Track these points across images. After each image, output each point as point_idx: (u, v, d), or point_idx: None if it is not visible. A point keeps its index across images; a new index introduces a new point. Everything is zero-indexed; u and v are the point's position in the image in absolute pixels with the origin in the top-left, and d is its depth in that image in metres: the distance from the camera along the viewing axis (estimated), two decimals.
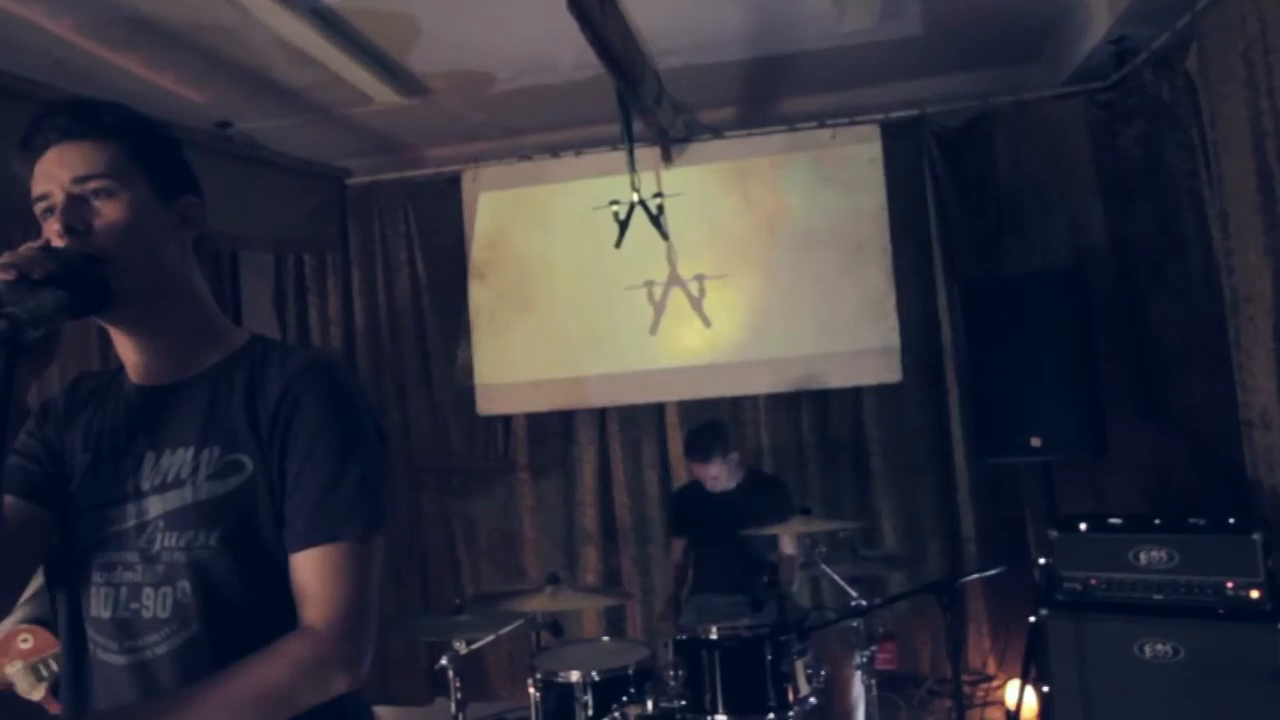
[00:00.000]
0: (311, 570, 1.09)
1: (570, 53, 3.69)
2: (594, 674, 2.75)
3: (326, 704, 1.08)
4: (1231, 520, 2.72)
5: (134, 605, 1.10)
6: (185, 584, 1.08)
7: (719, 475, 3.52)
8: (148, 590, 1.09)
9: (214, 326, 1.21)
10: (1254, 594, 2.60)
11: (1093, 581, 2.81)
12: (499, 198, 4.54)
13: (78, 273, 1.04)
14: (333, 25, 3.37)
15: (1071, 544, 2.87)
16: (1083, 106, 4.03)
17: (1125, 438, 3.68)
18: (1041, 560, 2.98)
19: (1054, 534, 2.91)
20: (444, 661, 2.62)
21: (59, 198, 1.09)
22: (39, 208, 1.10)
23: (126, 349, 1.18)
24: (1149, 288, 3.84)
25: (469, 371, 4.52)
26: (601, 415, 4.49)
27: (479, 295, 4.53)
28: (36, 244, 1.05)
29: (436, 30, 3.49)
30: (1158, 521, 2.80)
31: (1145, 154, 3.84)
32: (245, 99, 3.95)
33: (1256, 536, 2.60)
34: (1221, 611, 2.63)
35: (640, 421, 4.44)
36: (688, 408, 4.35)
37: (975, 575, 2.94)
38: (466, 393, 4.53)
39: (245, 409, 1.13)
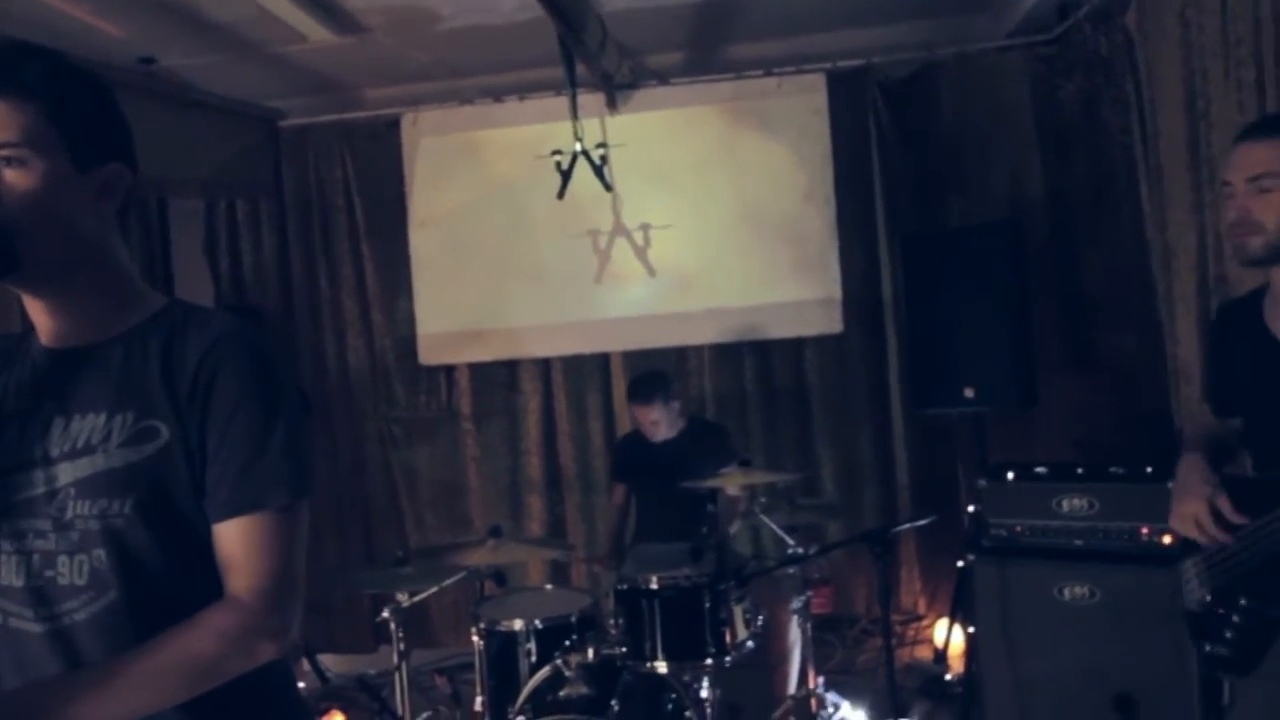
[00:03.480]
0: (236, 539, 1.08)
1: None
2: (537, 622, 2.79)
3: (255, 674, 1.08)
4: (1149, 469, 2.83)
5: (48, 573, 1.08)
6: (100, 552, 1.06)
7: (659, 421, 3.56)
8: (62, 558, 1.07)
9: (130, 291, 1.17)
10: (1166, 539, 2.72)
11: (1018, 528, 2.92)
12: (440, 142, 4.43)
13: None
14: None
15: (999, 492, 2.96)
16: (1024, 60, 4.06)
17: (1056, 389, 3.79)
18: (970, 508, 3.08)
19: (983, 483, 3.00)
20: (385, 614, 2.63)
21: None
22: None
23: (37, 311, 1.14)
24: (1082, 242, 3.93)
25: (410, 320, 4.46)
26: (546, 365, 4.48)
27: (420, 242, 4.45)
28: None
29: None
30: (1080, 471, 2.91)
31: (1083, 109, 3.89)
32: (169, 33, 3.76)
33: (1171, 485, 2.71)
34: (1136, 556, 2.75)
35: (585, 371, 4.44)
36: (632, 357, 4.36)
37: (906, 525, 3.02)
38: (407, 341, 4.48)
39: (162, 374, 1.09)
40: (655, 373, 3.71)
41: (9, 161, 1.03)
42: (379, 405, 4.52)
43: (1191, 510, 1.72)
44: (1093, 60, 3.77)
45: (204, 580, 1.08)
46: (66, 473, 1.08)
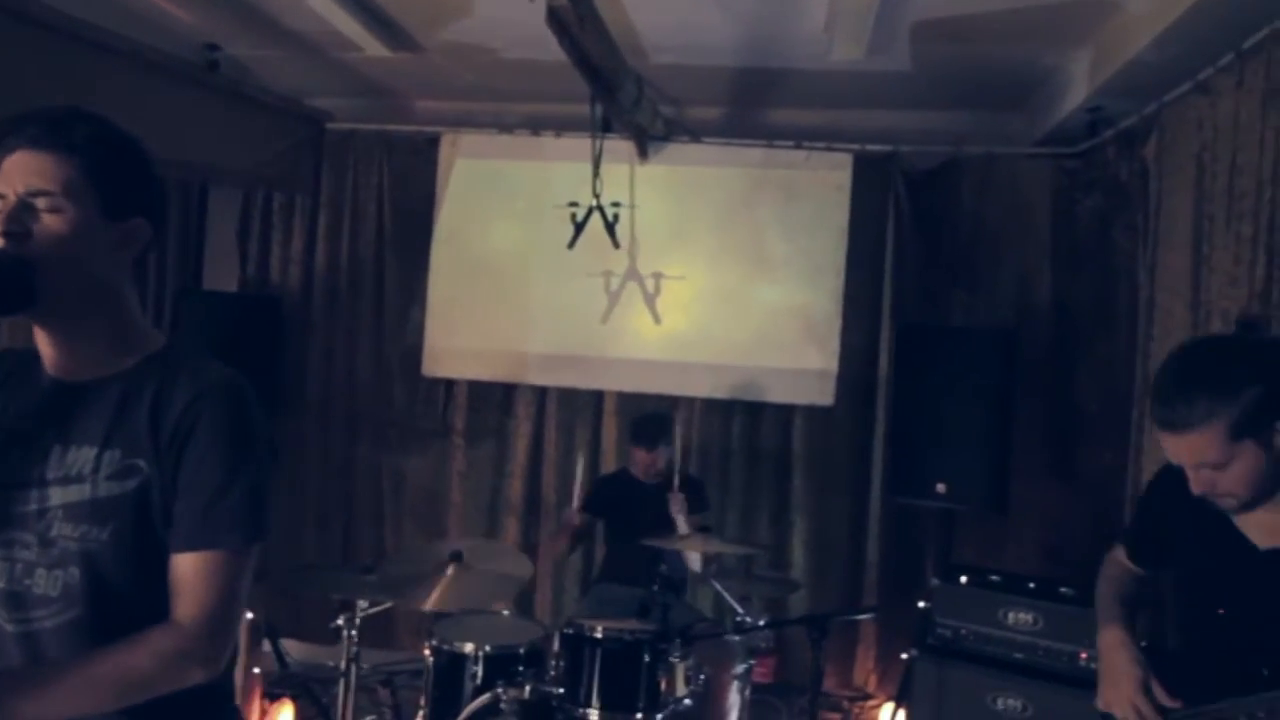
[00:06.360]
0: (188, 571, 1.20)
1: None
2: (486, 647, 2.86)
3: (195, 689, 1.20)
4: None
5: (26, 581, 1.20)
6: (75, 570, 1.19)
7: (659, 465, 3.67)
8: (40, 570, 1.20)
9: (133, 334, 1.29)
10: None
11: (962, 631, 2.99)
12: (475, 166, 4.57)
13: (6, 274, 1.13)
14: None
15: (949, 593, 3.04)
16: (1049, 169, 4.15)
17: (1033, 495, 3.85)
18: (921, 604, 3.15)
19: (935, 581, 3.08)
20: (339, 622, 2.74)
21: (11, 200, 1.17)
22: None
23: (45, 344, 1.26)
24: (1078, 355, 4.00)
25: (419, 330, 4.59)
26: (542, 393, 4.59)
27: (440, 258, 4.58)
28: None
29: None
30: (1032, 586, 2.98)
31: (1097, 227, 3.97)
32: (235, 26, 3.94)
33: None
34: (1072, 678, 2.81)
35: (578, 405, 4.55)
36: (626, 399, 4.47)
37: (845, 616, 3.09)
38: (413, 351, 4.61)
39: (149, 417, 1.22)
40: (661, 416, 3.84)
41: (46, 206, 1.17)
42: (378, 408, 4.65)
43: (1126, 696, 1.77)
44: (1112, 182, 3.85)
45: (161, 604, 1.20)
46: (57, 496, 1.21)
